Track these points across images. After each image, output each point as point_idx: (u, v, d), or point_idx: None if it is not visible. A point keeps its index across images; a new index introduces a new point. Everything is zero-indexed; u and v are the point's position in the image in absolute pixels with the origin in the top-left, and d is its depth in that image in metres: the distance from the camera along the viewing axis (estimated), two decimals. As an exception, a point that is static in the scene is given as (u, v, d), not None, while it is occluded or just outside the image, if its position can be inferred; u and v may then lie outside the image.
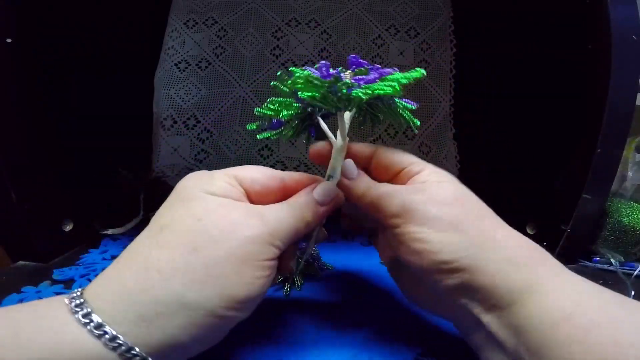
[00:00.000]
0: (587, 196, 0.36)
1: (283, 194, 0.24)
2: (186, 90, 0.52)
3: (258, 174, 0.24)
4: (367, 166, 0.27)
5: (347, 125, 0.25)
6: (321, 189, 0.24)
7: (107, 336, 0.17)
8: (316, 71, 0.22)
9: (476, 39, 0.54)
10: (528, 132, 0.47)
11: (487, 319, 0.21)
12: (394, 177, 0.26)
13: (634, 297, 0.31)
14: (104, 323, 0.17)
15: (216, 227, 0.20)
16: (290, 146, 0.52)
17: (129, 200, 0.45)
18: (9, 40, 0.33)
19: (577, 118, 0.39)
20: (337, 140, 0.25)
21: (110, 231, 0.42)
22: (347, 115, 0.25)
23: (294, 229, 0.23)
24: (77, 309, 0.18)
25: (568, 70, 0.40)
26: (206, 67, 0.53)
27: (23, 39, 0.34)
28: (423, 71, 0.23)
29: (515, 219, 0.45)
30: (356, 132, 0.53)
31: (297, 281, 0.33)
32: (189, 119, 0.52)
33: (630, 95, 0.35)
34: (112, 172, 0.45)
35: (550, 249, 0.39)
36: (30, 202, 0.35)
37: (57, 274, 0.34)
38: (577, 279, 0.21)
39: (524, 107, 0.48)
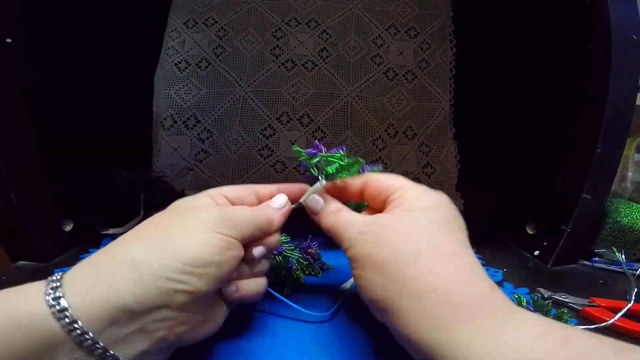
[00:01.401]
0: (587, 196, 0.36)
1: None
2: (186, 90, 0.52)
3: (235, 189, 0.27)
4: (360, 198, 0.28)
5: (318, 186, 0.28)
6: (277, 199, 0.28)
7: (57, 307, 0.18)
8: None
9: (476, 39, 0.54)
10: (528, 131, 0.47)
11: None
12: (384, 204, 0.25)
13: (636, 295, 0.31)
14: (69, 307, 0.18)
15: (179, 208, 0.24)
16: (290, 146, 0.52)
17: (129, 200, 0.45)
18: (9, 40, 0.33)
19: (577, 118, 0.39)
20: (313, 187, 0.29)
21: (110, 231, 0.42)
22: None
23: (252, 219, 0.25)
24: (50, 291, 0.18)
25: (568, 70, 0.40)
26: (206, 67, 0.53)
27: (23, 39, 0.34)
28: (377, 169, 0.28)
29: (515, 219, 0.45)
30: (356, 132, 0.53)
31: (297, 281, 0.33)
32: (189, 118, 0.52)
33: (630, 95, 0.35)
34: (112, 172, 0.45)
35: (550, 249, 0.39)
36: (30, 202, 0.35)
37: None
38: (524, 338, 0.17)
39: (524, 106, 0.48)
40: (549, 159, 0.43)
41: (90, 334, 0.18)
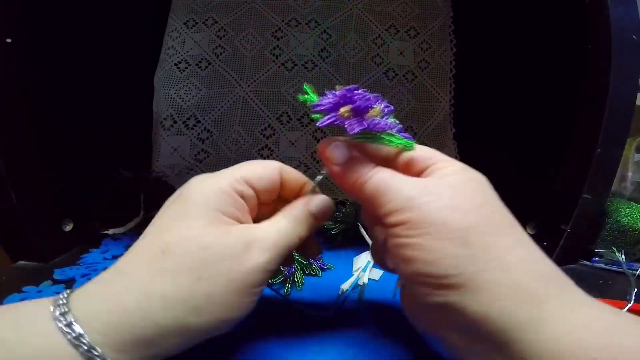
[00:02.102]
0: (587, 196, 0.36)
1: (281, 189, 0.25)
2: (186, 90, 0.52)
3: (262, 170, 0.24)
4: (390, 165, 0.24)
5: None
6: (319, 202, 0.24)
7: (84, 347, 0.17)
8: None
9: (476, 39, 0.54)
10: (528, 131, 0.47)
11: (478, 348, 0.18)
12: (417, 175, 0.23)
13: (636, 295, 0.31)
14: (84, 333, 0.18)
15: (219, 257, 0.20)
16: (290, 146, 0.52)
17: (129, 200, 0.45)
18: (9, 40, 0.33)
19: (577, 118, 0.39)
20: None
21: (110, 231, 0.42)
22: None
23: (288, 247, 0.23)
24: (61, 318, 0.18)
25: (568, 70, 0.40)
26: (206, 67, 0.53)
27: (23, 39, 0.34)
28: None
29: (515, 218, 0.45)
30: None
31: (297, 281, 0.33)
32: (189, 118, 0.52)
33: (630, 95, 0.35)
34: (112, 172, 0.45)
35: (550, 249, 0.39)
36: (30, 202, 0.35)
37: (58, 274, 0.34)
38: (605, 315, 0.17)
39: (524, 107, 0.48)
40: (549, 159, 0.43)
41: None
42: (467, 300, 0.18)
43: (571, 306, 0.17)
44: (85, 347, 0.17)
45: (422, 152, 0.23)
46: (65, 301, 0.19)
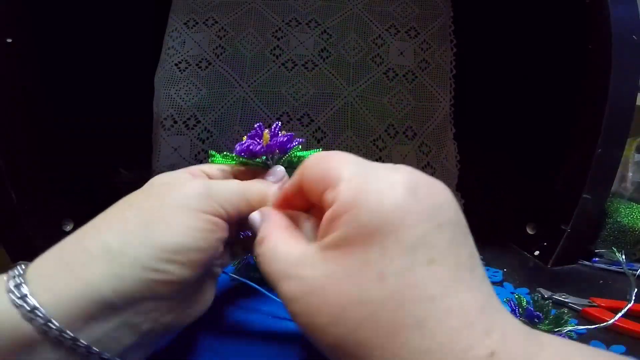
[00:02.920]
0: (587, 196, 0.36)
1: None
2: (186, 90, 0.52)
3: (218, 166, 0.25)
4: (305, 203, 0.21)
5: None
6: (274, 172, 0.25)
7: (26, 307, 0.16)
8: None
9: (476, 39, 0.54)
10: (528, 132, 0.47)
11: None
12: (323, 207, 0.18)
13: (636, 295, 0.31)
14: (29, 295, 0.16)
15: (156, 185, 0.21)
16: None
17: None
18: (9, 40, 0.33)
19: (577, 118, 0.39)
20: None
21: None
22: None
23: (241, 191, 0.22)
24: (14, 289, 0.17)
25: (568, 70, 0.40)
26: (206, 67, 0.53)
27: (23, 39, 0.34)
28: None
29: (515, 219, 0.45)
30: (356, 132, 0.53)
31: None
32: (189, 119, 0.52)
33: (630, 95, 0.35)
34: (112, 172, 0.45)
35: (550, 249, 0.39)
36: (30, 202, 0.35)
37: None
38: (556, 350, 0.14)
39: (524, 107, 0.48)
40: (549, 159, 0.43)
41: (70, 333, 0.16)
42: None
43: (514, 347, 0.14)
44: (41, 321, 0.16)
45: (311, 176, 0.19)
46: (20, 272, 0.17)
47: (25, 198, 0.34)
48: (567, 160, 0.39)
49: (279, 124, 0.26)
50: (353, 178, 0.16)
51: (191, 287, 0.20)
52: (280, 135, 0.25)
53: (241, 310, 0.29)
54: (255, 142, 0.25)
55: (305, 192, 0.19)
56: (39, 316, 0.16)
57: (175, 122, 0.51)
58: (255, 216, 0.22)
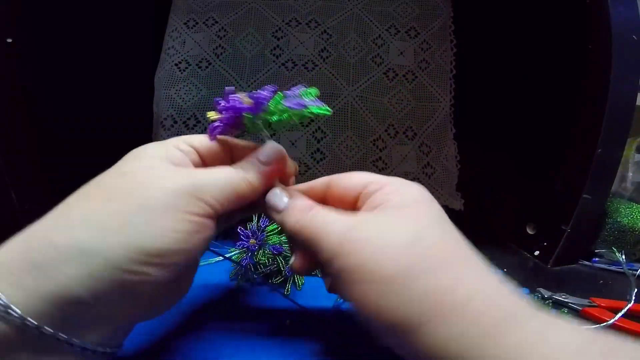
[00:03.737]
0: (587, 196, 0.36)
1: (232, 159, 0.23)
2: (186, 90, 0.52)
3: (205, 138, 0.23)
4: (323, 201, 0.23)
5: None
6: (264, 149, 0.23)
7: (15, 319, 0.16)
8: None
9: (476, 39, 0.54)
10: (528, 132, 0.47)
11: None
12: (353, 205, 0.22)
13: (636, 295, 0.31)
14: (12, 305, 0.16)
15: (137, 180, 0.19)
16: (291, 146, 0.52)
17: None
18: (9, 40, 0.33)
19: (577, 118, 0.39)
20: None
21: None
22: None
23: (231, 186, 0.20)
24: None
25: (568, 71, 0.40)
26: (206, 67, 0.53)
27: (23, 39, 0.34)
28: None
29: (515, 219, 0.45)
30: (356, 132, 0.53)
31: (297, 281, 0.33)
32: (189, 119, 0.52)
33: (630, 95, 0.35)
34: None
35: (550, 249, 0.39)
36: (30, 202, 0.35)
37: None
38: (573, 342, 0.16)
39: (524, 107, 0.48)
40: (549, 159, 0.43)
41: (49, 329, 0.16)
42: (422, 341, 0.17)
43: (533, 339, 0.16)
44: (17, 322, 0.16)
45: (347, 181, 0.22)
46: None
47: (25, 198, 0.34)
48: (567, 160, 0.39)
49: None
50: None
51: (171, 282, 0.19)
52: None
53: (247, 310, 0.29)
54: (236, 99, 0.22)
55: (331, 192, 0.23)
56: (14, 316, 0.15)
57: (175, 122, 0.51)
58: (277, 192, 0.22)
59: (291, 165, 0.24)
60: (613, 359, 0.15)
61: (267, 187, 0.22)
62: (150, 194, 0.18)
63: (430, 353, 0.17)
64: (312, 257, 0.21)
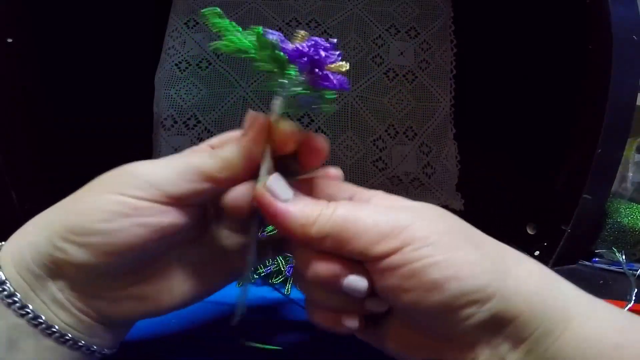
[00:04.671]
0: (587, 196, 0.36)
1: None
2: (186, 90, 0.52)
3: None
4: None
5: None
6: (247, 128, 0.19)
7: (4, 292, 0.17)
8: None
9: (476, 39, 0.54)
10: (528, 132, 0.47)
11: (515, 356, 0.17)
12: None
13: (636, 295, 0.31)
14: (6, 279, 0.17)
15: (107, 175, 0.20)
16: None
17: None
18: (9, 40, 0.33)
19: (577, 118, 0.38)
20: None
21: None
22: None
23: (190, 165, 0.19)
24: None
25: (568, 71, 0.40)
26: (207, 67, 0.53)
27: (23, 39, 0.34)
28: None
29: (515, 219, 0.45)
30: (356, 132, 0.53)
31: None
32: (189, 119, 0.52)
33: (630, 95, 0.35)
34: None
35: (550, 249, 0.39)
36: (30, 202, 0.35)
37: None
38: (615, 308, 0.18)
39: (524, 107, 0.48)
40: (549, 159, 0.43)
41: (19, 295, 0.17)
42: (507, 306, 0.17)
43: (591, 307, 0.18)
44: (6, 293, 0.17)
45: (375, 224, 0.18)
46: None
47: (25, 198, 0.34)
48: (567, 160, 0.39)
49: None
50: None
51: (120, 277, 0.19)
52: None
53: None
54: (283, 39, 0.18)
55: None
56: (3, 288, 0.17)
57: (176, 122, 0.51)
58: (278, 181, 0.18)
59: (321, 145, 0.20)
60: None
61: (255, 164, 0.19)
62: (109, 177, 0.19)
63: (507, 316, 0.17)
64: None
